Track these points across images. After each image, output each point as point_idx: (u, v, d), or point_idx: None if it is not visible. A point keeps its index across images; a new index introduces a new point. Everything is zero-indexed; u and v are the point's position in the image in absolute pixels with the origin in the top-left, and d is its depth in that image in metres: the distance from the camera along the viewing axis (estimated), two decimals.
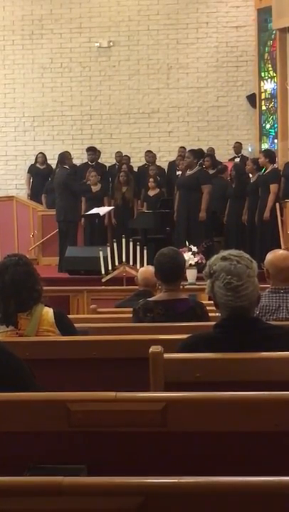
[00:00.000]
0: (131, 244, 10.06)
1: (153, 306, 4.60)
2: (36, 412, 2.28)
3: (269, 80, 15.26)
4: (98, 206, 12.82)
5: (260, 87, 15.43)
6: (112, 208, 13.19)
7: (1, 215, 14.19)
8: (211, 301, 3.23)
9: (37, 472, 2.13)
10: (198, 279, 9.05)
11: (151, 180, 13.46)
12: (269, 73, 15.26)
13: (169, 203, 12.93)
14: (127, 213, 13.39)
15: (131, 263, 9.98)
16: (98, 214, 12.58)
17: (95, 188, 13.29)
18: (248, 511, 1.66)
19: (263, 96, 15.45)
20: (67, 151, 13.16)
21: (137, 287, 6.36)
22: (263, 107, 15.49)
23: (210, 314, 4.50)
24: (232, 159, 14.78)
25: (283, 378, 2.81)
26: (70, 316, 4.30)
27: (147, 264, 8.80)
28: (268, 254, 4.71)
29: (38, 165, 15.36)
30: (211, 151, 14.61)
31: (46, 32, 16.13)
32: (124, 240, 10.09)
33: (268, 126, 15.47)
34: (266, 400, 2.29)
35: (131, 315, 4.80)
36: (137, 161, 15.26)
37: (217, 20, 15.85)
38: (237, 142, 15.18)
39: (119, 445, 2.24)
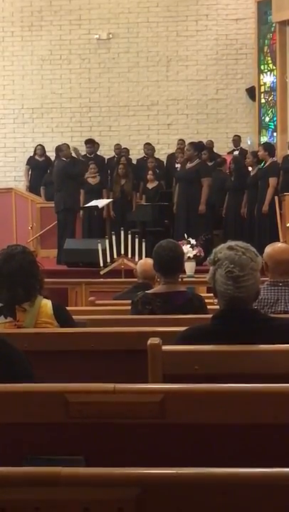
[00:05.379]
0: (129, 236, 10.06)
1: (151, 298, 4.61)
2: (35, 403, 2.28)
3: (268, 72, 15.24)
4: (97, 198, 12.83)
5: (259, 80, 15.41)
6: (110, 200, 13.19)
7: None
8: (209, 294, 3.24)
9: (35, 463, 2.14)
10: (196, 271, 9.06)
11: (150, 172, 13.46)
12: (268, 66, 15.24)
13: (167, 196, 12.94)
14: (126, 206, 13.39)
15: (129, 255, 9.99)
16: (97, 206, 12.58)
17: (93, 181, 13.28)
18: (247, 503, 1.66)
19: (262, 89, 15.43)
20: (64, 144, 13.20)
21: (135, 280, 6.36)
22: (263, 100, 15.47)
23: (208, 307, 4.50)
24: (231, 152, 14.77)
25: (282, 371, 2.81)
26: (68, 308, 4.30)
27: (146, 256, 8.79)
28: (266, 247, 4.70)
29: (36, 157, 15.34)
30: (210, 144, 14.61)
31: (45, 24, 16.09)
32: (122, 233, 10.09)
33: (267, 119, 15.46)
34: (265, 392, 2.29)
35: (129, 307, 4.80)
36: (136, 154, 15.24)
37: (217, 12, 15.82)
38: (236, 135, 15.17)
39: (117, 436, 2.24)
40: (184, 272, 8.38)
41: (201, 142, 13.99)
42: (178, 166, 13.39)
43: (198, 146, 12.80)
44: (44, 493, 1.67)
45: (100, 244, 9.94)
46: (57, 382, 2.42)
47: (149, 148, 14.87)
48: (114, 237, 10.09)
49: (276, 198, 11.55)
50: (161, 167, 14.47)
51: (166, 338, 3.05)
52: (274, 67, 14.93)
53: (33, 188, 15.08)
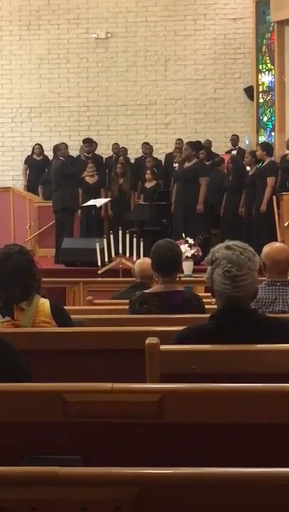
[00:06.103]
0: (127, 236, 10.05)
1: (149, 297, 4.61)
2: (32, 402, 2.28)
3: (267, 72, 15.26)
4: (95, 198, 12.82)
5: (257, 80, 15.42)
6: (108, 199, 13.19)
7: None
8: (207, 294, 3.24)
9: (33, 462, 2.13)
10: (194, 271, 9.06)
11: (148, 172, 13.47)
12: (267, 66, 15.25)
13: (165, 195, 12.93)
14: (124, 205, 13.39)
15: (127, 255, 9.97)
16: (95, 206, 12.58)
17: (91, 180, 13.28)
18: (244, 502, 1.67)
19: (260, 88, 15.44)
20: (63, 143, 13.20)
21: (133, 279, 6.36)
22: (261, 100, 15.48)
23: (206, 306, 4.50)
24: (229, 151, 14.78)
25: (280, 371, 2.82)
26: (66, 308, 4.30)
27: (144, 256, 8.79)
28: (264, 247, 4.71)
29: (34, 156, 15.35)
30: (208, 143, 14.61)
31: (44, 23, 16.08)
32: (120, 232, 10.08)
33: (265, 118, 15.47)
34: (262, 392, 2.29)
35: (127, 307, 4.80)
36: (134, 153, 15.24)
37: (215, 12, 15.81)
38: (234, 135, 15.17)
39: (115, 436, 2.24)
40: (182, 271, 8.39)
41: (199, 141, 13.99)
42: (176, 165, 13.39)
43: (196, 146, 12.80)
44: (42, 492, 1.67)
45: (97, 244, 9.93)
46: (55, 382, 2.42)
47: (147, 147, 14.86)
48: (112, 237, 10.09)
49: (274, 197, 11.55)
50: (160, 166, 14.48)
51: (164, 337, 3.05)
52: (272, 67, 14.95)
53: (31, 187, 15.08)
